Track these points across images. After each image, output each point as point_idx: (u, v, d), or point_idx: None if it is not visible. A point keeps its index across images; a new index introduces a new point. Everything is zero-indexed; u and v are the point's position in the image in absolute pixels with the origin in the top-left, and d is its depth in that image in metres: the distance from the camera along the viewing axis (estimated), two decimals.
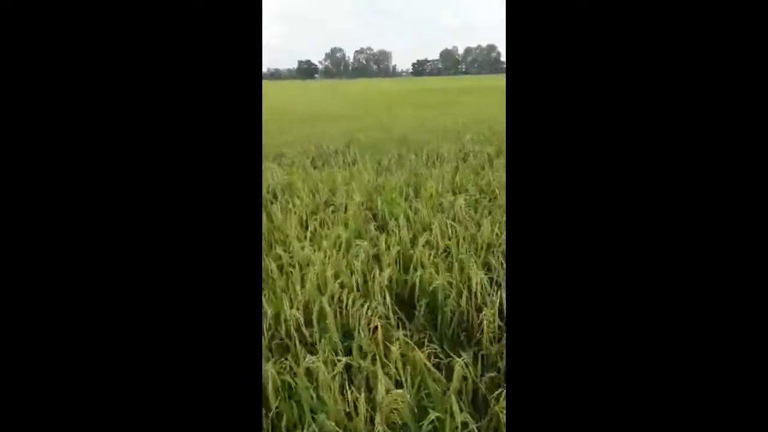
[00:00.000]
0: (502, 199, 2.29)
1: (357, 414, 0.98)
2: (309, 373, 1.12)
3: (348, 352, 1.30)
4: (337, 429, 0.93)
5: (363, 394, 0.99)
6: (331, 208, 2.43)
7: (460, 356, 1.14)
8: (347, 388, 1.05)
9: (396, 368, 1.14)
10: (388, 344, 1.21)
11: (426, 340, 1.38)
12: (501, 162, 3.26)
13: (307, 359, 1.09)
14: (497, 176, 2.71)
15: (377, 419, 0.94)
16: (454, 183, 2.72)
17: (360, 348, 1.23)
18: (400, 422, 0.99)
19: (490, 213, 2.17)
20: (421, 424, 1.00)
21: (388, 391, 1.01)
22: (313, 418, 0.96)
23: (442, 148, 3.80)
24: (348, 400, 1.00)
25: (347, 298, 1.47)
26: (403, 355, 1.20)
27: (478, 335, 1.39)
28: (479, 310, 1.49)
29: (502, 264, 1.67)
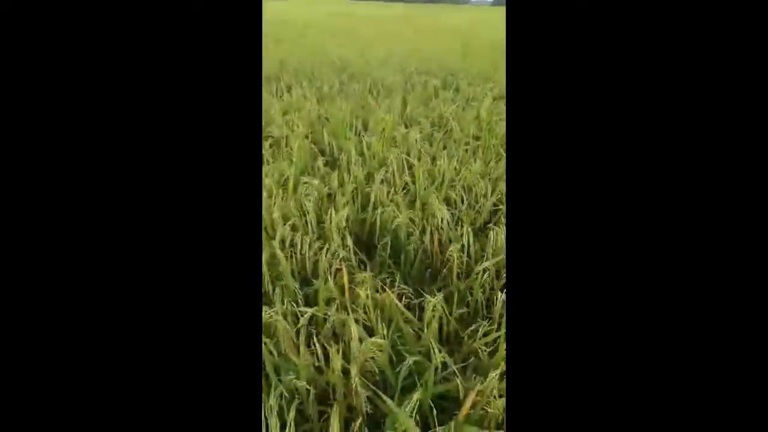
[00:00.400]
0: (456, 133, 2.18)
1: (329, 368, 0.87)
2: (266, 328, 0.97)
3: (308, 301, 1.16)
4: (308, 388, 0.82)
5: (333, 347, 0.88)
6: (269, 141, 2.13)
7: (427, 295, 1.07)
8: (314, 341, 0.93)
9: (365, 312, 1.03)
10: (354, 288, 1.09)
11: (391, 280, 1.29)
12: (448, 95, 3.11)
13: (265, 313, 0.93)
14: (448, 108, 2.58)
15: (353, 371, 0.84)
16: (404, 115, 2.53)
17: (323, 295, 1.10)
18: (377, 371, 0.91)
19: (445, 147, 2.07)
20: (398, 370, 0.93)
21: (361, 340, 0.91)
22: (279, 380, 0.83)
23: (386, 79, 3.52)
24: (317, 354, 0.89)
25: (301, 242, 1.30)
26: (371, 299, 1.10)
27: (444, 272, 1.34)
28: (444, 246, 1.42)
29: (462, 199, 1.60)
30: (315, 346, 0.88)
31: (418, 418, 0.82)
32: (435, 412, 0.83)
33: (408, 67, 4.06)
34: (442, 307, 1.07)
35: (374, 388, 0.88)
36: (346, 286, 1.08)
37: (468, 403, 0.79)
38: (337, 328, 1.03)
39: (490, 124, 2.34)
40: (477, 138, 2.21)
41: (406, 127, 2.30)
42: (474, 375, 0.93)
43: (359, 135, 2.17)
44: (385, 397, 0.73)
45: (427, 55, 5.00)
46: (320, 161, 1.85)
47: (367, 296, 1.06)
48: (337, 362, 0.81)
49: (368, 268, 1.33)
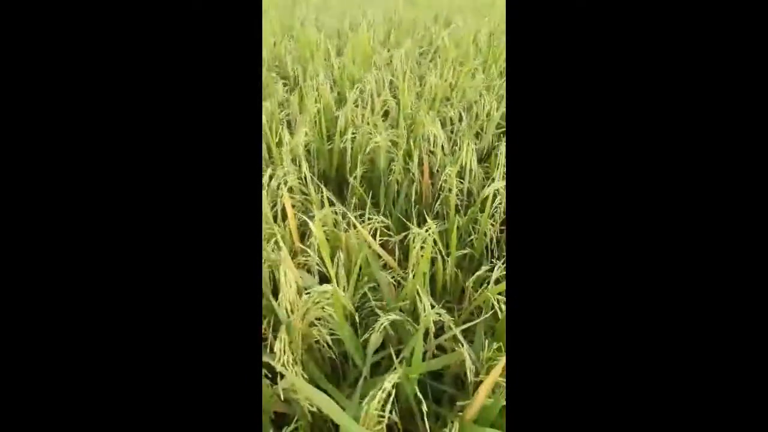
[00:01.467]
0: (450, 52, 1.77)
1: None
2: None
3: None
4: None
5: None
6: None
7: (413, 226, 0.72)
8: None
9: (320, 257, 0.68)
10: (308, 220, 0.73)
11: (361, 215, 0.94)
12: (439, 27, 2.67)
13: None
14: (440, 33, 2.16)
15: (279, 344, 0.49)
16: (387, 42, 2.12)
17: None
18: (329, 343, 0.56)
19: (436, 66, 1.67)
20: (365, 338, 0.58)
21: (304, 291, 0.55)
22: None
23: (366, 14, 3.06)
24: None
25: None
26: (329, 236, 0.74)
27: (437, 206, 0.98)
28: (436, 177, 1.06)
29: (461, 116, 1.23)
30: None
31: (395, 414, 0.48)
32: (424, 401, 0.49)
33: (391, 5, 3.57)
34: (436, 242, 0.72)
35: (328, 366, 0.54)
36: (291, 219, 0.72)
37: (483, 392, 0.44)
38: (277, 277, 0.68)
39: (491, 46, 1.94)
40: (475, 59, 1.81)
41: (388, 51, 1.89)
42: (488, 339, 0.59)
43: (329, 60, 1.76)
44: (324, 398, 0.38)
45: None
46: (279, 86, 1.46)
47: (324, 232, 0.70)
48: None
49: (334, 204, 0.97)
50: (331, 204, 0.98)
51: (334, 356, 0.58)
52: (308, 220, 0.68)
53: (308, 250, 0.66)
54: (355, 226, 0.72)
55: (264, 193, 0.82)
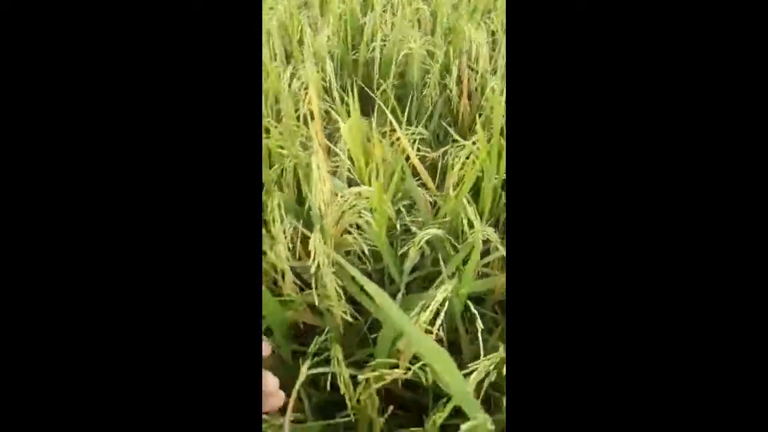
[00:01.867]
0: None
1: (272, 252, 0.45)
2: None
3: None
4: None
5: (274, 199, 0.45)
6: None
7: (459, 137, 0.62)
8: None
9: (350, 159, 0.59)
10: (338, 119, 0.63)
11: (391, 131, 0.83)
12: None
13: None
14: None
15: (315, 247, 0.42)
16: None
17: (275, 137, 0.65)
18: (365, 252, 0.49)
19: None
20: (404, 251, 0.51)
21: (338, 195, 0.47)
22: None
23: None
24: None
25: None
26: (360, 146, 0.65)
27: (474, 126, 0.87)
28: (475, 96, 0.94)
29: (503, 24, 1.07)
30: None
31: (443, 331, 0.43)
32: (473, 313, 0.43)
33: None
34: (480, 160, 0.62)
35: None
36: (317, 118, 0.62)
37: None
38: (301, 177, 0.59)
39: None
40: None
41: None
42: None
43: None
44: (372, 284, 0.31)
45: None
46: None
47: (353, 138, 0.60)
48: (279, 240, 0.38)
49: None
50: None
51: (369, 269, 0.52)
52: (339, 119, 0.58)
53: (339, 152, 0.57)
54: (393, 133, 0.63)
55: (286, 93, 0.71)
